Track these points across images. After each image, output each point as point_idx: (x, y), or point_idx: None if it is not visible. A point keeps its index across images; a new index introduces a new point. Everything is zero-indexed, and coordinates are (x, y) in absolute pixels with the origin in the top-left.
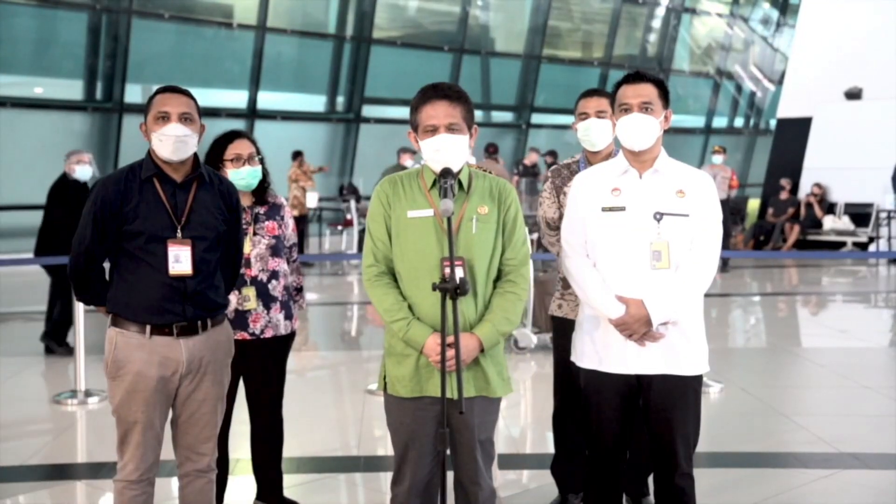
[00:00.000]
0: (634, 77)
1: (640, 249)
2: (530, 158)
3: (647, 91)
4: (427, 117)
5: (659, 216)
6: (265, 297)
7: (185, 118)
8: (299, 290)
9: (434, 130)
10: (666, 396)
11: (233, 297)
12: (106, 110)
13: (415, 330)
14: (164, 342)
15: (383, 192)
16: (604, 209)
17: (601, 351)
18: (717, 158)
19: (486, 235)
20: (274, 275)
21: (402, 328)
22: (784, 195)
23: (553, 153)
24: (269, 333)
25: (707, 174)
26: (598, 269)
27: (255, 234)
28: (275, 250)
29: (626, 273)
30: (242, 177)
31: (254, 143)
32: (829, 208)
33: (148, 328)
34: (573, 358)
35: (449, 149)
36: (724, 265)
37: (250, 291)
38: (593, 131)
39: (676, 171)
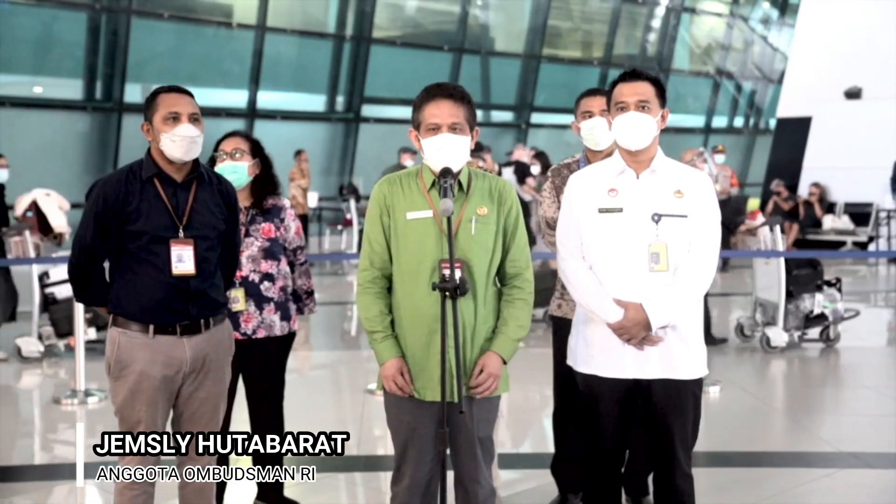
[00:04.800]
0: (631, 75)
1: (637, 251)
2: (517, 154)
3: (644, 89)
4: (430, 116)
5: (657, 217)
6: (257, 298)
7: (194, 119)
8: (310, 293)
9: (436, 129)
10: (665, 401)
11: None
12: (105, 110)
13: (385, 345)
14: (167, 342)
15: (381, 193)
16: (600, 210)
17: (598, 355)
18: (720, 158)
19: (485, 236)
20: (268, 276)
21: (376, 339)
22: (784, 195)
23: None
24: (261, 334)
25: (705, 174)
26: (595, 271)
27: (248, 234)
28: (269, 253)
29: (623, 276)
30: (223, 172)
31: (253, 142)
32: (829, 208)
33: (151, 328)
34: (569, 361)
35: (450, 149)
36: (725, 265)
37: (239, 293)
38: (598, 130)
39: (674, 170)
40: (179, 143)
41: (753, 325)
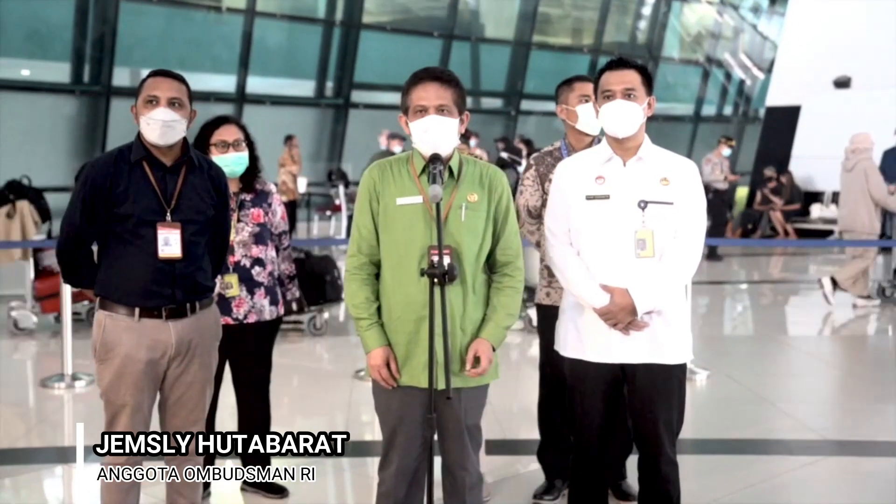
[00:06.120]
0: (617, 63)
1: (624, 238)
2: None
3: (631, 78)
4: (417, 98)
5: (643, 204)
6: (248, 283)
7: (173, 103)
8: (292, 278)
9: (423, 111)
10: (650, 385)
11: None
12: (94, 93)
13: (371, 333)
14: (153, 325)
15: (371, 179)
16: (588, 197)
17: (585, 340)
18: (726, 151)
19: (475, 223)
20: (258, 261)
21: (362, 327)
22: (772, 185)
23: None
24: (252, 319)
25: (692, 162)
26: (582, 257)
27: (238, 220)
28: (259, 238)
29: (610, 262)
30: (227, 163)
31: (243, 129)
32: (816, 196)
33: (137, 311)
34: (556, 347)
35: (438, 130)
36: (713, 253)
37: (232, 278)
38: (594, 116)
39: (661, 158)
40: (153, 127)
41: (893, 287)
